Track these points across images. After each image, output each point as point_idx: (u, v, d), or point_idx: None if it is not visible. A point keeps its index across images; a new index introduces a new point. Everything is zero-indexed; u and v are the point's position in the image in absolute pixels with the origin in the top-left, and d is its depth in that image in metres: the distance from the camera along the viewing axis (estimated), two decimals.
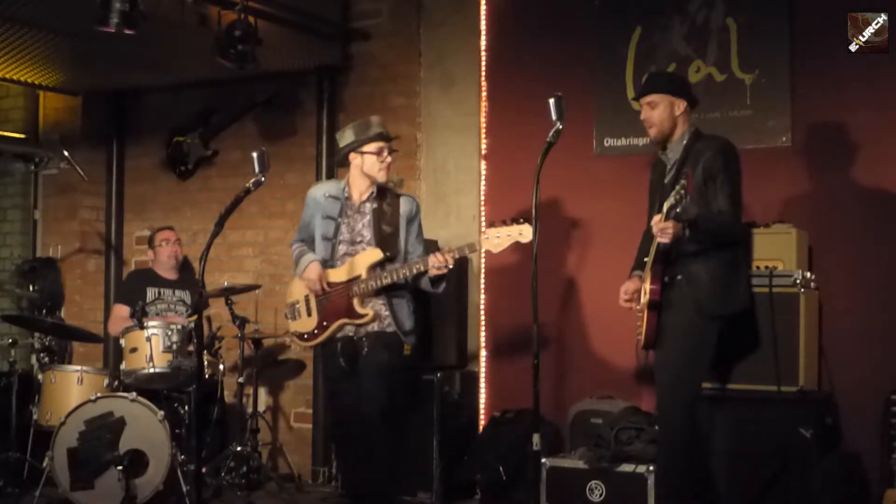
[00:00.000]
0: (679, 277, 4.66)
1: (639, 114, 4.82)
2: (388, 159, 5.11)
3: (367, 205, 5.13)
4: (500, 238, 4.77)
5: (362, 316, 5.00)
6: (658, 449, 4.93)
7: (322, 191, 5.27)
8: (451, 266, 4.86)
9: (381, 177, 5.11)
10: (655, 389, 4.88)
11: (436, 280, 5.02)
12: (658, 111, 4.79)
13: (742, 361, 5.24)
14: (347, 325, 5.06)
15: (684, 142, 4.79)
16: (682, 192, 4.27)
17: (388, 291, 5.04)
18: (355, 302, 5.01)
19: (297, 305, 5.23)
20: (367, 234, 5.10)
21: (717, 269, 4.64)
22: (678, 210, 4.33)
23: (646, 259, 4.78)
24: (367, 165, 5.11)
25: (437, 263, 4.81)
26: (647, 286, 4.69)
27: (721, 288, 4.66)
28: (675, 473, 4.66)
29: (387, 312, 5.05)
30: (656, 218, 4.51)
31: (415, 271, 4.94)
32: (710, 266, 4.63)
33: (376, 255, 5.01)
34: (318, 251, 5.18)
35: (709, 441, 5.04)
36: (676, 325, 4.64)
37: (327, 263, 5.13)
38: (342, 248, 5.12)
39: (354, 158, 5.15)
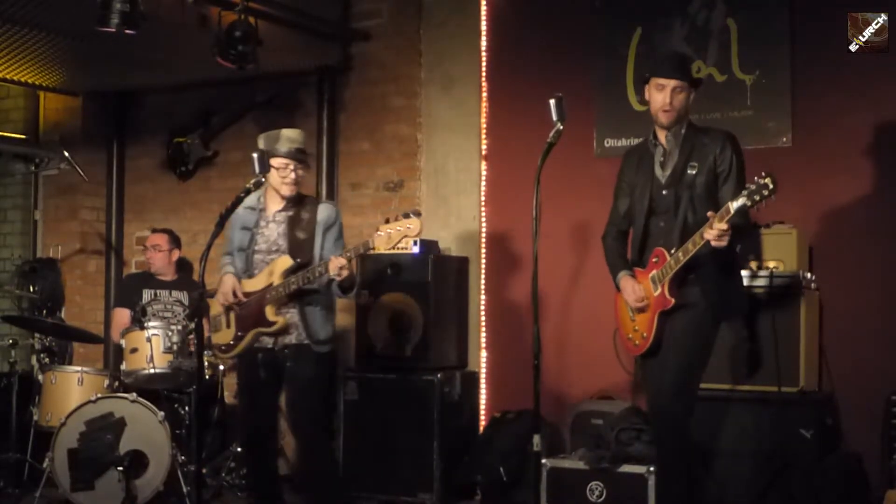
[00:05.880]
0: (692, 280, 4.47)
1: (639, 114, 4.74)
2: (292, 176, 5.00)
3: (282, 214, 5.07)
4: (391, 233, 4.63)
5: (272, 324, 4.94)
6: (659, 453, 4.74)
7: (243, 203, 5.08)
8: (348, 266, 4.74)
9: (284, 191, 5.02)
10: (649, 389, 4.75)
11: (345, 287, 4.92)
12: (681, 98, 4.50)
13: (743, 362, 5.25)
14: (263, 336, 5.00)
15: (682, 131, 4.57)
16: (766, 192, 4.01)
17: (301, 300, 4.95)
18: (267, 310, 4.94)
19: (219, 318, 5.18)
20: (283, 242, 5.03)
21: (723, 271, 4.49)
22: (744, 210, 4.09)
23: (654, 259, 4.54)
24: (272, 178, 5.01)
25: (336, 265, 4.72)
26: (665, 291, 4.45)
27: (728, 290, 4.53)
28: (677, 476, 4.55)
29: (299, 321, 4.97)
30: (717, 222, 4.16)
31: (317, 274, 4.83)
32: (717, 268, 4.45)
33: (287, 261, 4.95)
34: (236, 262, 5.14)
35: (713, 441, 5.02)
36: (681, 329, 4.48)
37: (245, 274, 5.08)
38: (258, 258, 5.06)
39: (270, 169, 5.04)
